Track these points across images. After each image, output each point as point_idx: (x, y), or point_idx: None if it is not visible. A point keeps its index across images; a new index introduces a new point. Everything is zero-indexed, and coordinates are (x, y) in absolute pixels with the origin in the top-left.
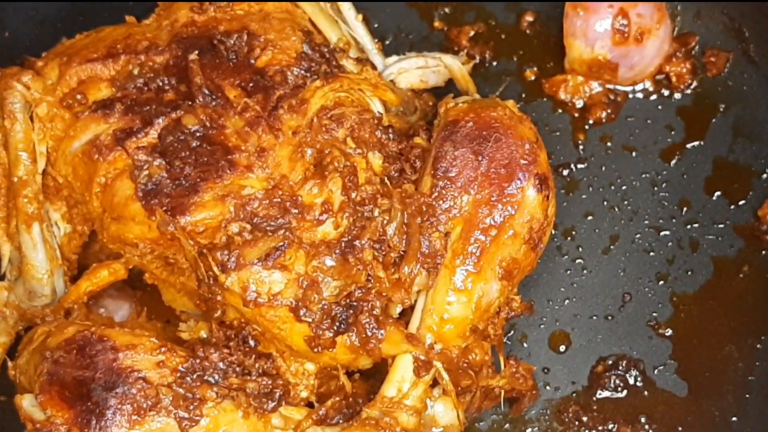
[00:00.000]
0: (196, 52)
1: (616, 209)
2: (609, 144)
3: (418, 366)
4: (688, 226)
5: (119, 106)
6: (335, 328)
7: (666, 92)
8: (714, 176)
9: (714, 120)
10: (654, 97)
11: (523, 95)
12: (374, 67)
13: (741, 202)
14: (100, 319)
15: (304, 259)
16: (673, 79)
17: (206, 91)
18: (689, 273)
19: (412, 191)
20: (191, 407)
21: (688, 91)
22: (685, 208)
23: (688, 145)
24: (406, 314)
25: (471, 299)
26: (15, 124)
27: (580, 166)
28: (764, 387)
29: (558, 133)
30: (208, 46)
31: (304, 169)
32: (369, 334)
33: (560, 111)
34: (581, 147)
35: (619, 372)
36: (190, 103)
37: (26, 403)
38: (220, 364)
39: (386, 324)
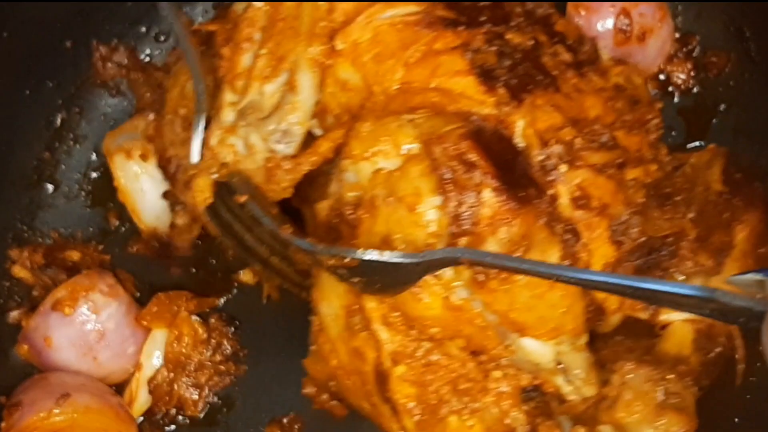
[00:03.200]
0: None
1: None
2: None
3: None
4: None
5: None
6: (636, 264)
7: (666, 93)
8: None
9: (714, 120)
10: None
11: None
12: None
13: None
14: None
15: (626, 187)
16: (675, 79)
17: (523, 23)
18: None
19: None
20: None
21: (689, 92)
22: None
23: (689, 145)
24: None
25: None
26: None
27: None
28: (764, 387)
29: None
30: None
31: (614, 119)
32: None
33: None
34: None
35: None
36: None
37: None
38: None
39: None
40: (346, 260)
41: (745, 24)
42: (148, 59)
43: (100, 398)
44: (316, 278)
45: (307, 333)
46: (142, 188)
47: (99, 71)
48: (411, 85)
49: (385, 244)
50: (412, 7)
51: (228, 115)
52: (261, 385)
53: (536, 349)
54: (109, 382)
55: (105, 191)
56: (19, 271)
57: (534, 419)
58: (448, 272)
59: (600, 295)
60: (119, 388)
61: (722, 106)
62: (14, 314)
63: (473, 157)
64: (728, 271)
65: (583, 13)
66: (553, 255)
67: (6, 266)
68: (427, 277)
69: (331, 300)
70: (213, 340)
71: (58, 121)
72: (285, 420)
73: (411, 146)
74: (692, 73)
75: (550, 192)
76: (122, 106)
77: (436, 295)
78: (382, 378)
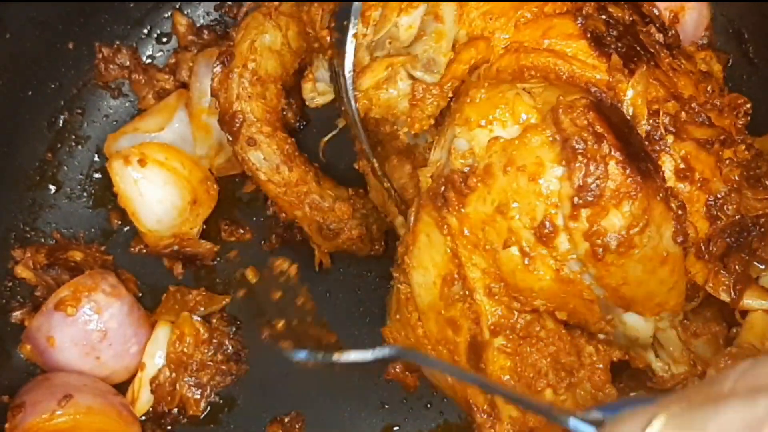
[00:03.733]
0: None
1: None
2: None
3: None
4: None
5: None
6: (727, 243)
7: None
8: None
9: None
10: None
11: None
12: None
13: None
14: None
15: (725, 165)
16: None
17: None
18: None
19: None
20: None
21: None
22: None
23: None
24: None
25: None
26: None
27: None
28: None
29: None
30: None
31: (704, 101)
32: (736, 278)
33: None
34: None
35: None
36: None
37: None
38: None
39: (748, 278)
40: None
41: (743, 25)
42: (150, 61)
43: (103, 398)
44: (411, 246)
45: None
46: (141, 193)
47: (101, 72)
48: (522, 44)
49: (500, 213)
50: None
51: (364, 53)
52: (262, 384)
53: (638, 324)
54: (111, 381)
55: (107, 192)
56: (22, 272)
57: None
58: (564, 244)
59: (694, 270)
60: (122, 387)
61: None
62: (17, 314)
63: (600, 128)
64: None
65: None
66: (667, 230)
67: (9, 266)
68: (541, 249)
69: (427, 268)
70: (215, 340)
71: (61, 122)
72: (286, 419)
73: (529, 115)
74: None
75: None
76: (124, 107)
77: (548, 267)
78: (476, 349)
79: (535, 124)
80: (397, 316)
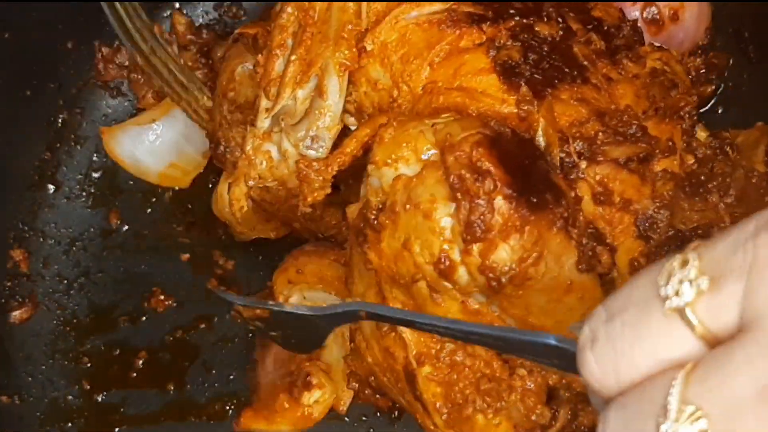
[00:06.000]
0: None
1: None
2: None
3: None
4: None
5: None
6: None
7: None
8: None
9: (713, 120)
10: None
11: None
12: None
13: None
14: None
15: (652, 180)
16: (692, 72)
17: (554, 13)
18: None
19: (749, 165)
20: None
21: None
22: None
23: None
24: None
25: None
26: None
27: None
28: None
29: None
30: None
31: (647, 107)
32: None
33: None
34: None
35: None
36: (537, 17)
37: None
38: None
39: None
40: (258, 311)
41: (743, 25)
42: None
43: None
44: (349, 279)
45: None
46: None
47: (100, 72)
48: (436, 84)
49: (406, 249)
50: (437, 6)
51: (263, 122)
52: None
53: None
54: None
55: (107, 192)
56: None
57: (575, 406)
58: (464, 277)
59: None
60: None
61: (721, 107)
62: (17, 314)
63: (486, 164)
64: None
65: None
66: (569, 259)
67: (8, 266)
68: (445, 283)
69: (364, 299)
70: None
71: (60, 121)
72: None
73: (430, 152)
74: (702, 69)
75: (574, 192)
76: (123, 107)
77: (454, 300)
78: (410, 377)
79: (434, 161)
80: (352, 345)
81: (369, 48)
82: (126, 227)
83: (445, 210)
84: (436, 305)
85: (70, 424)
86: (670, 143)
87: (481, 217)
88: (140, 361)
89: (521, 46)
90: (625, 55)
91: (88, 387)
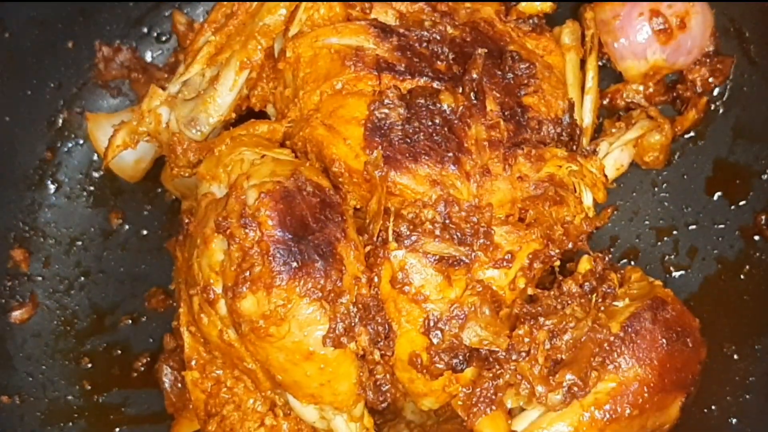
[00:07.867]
0: (485, 50)
1: (617, 209)
2: None
3: None
4: (689, 227)
5: (395, 39)
6: (450, 364)
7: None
8: (714, 177)
9: (714, 120)
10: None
11: None
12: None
13: (741, 203)
14: None
15: (463, 286)
16: (698, 83)
17: (473, 88)
18: (689, 273)
19: (605, 323)
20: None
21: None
22: (685, 209)
23: (688, 146)
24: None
25: None
26: None
27: None
28: (764, 387)
29: None
30: (497, 53)
31: (510, 212)
32: (478, 400)
33: None
34: None
35: None
36: (452, 85)
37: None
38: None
39: (499, 404)
40: None
41: (744, 25)
42: (149, 60)
43: None
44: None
45: None
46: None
47: (101, 72)
48: (315, 114)
49: (187, 266)
50: (353, 40)
51: (174, 86)
52: None
53: (298, 408)
54: None
55: (106, 191)
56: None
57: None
58: (223, 309)
59: (424, 385)
60: None
61: (721, 107)
62: (17, 314)
63: (264, 214)
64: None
65: (622, 40)
66: (316, 330)
67: (8, 266)
68: (209, 308)
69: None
70: None
71: (60, 121)
72: None
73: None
74: (708, 78)
75: (378, 268)
76: (123, 106)
77: (215, 326)
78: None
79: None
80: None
81: (288, 55)
82: (127, 227)
83: (221, 245)
84: (202, 325)
85: (70, 424)
86: (507, 256)
87: (241, 262)
88: (141, 362)
89: (406, 110)
90: (527, 152)
91: (89, 387)
